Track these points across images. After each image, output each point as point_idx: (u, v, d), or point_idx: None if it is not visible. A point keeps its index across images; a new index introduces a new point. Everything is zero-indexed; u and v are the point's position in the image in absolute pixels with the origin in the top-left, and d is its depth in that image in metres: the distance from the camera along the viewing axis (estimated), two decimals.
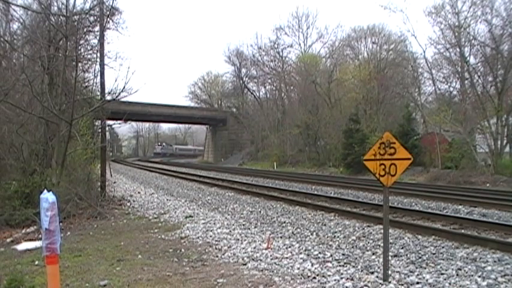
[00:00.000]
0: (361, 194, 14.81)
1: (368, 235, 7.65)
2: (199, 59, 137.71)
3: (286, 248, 6.77)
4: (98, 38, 13.71)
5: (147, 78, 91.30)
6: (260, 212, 10.86)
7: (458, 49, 26.26)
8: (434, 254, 6.20)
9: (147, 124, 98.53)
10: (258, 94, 57.74)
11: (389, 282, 4.86)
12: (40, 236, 6.99)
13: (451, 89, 31.74)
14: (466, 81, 27.18)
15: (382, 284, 4.82)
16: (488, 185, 19.04)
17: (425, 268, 5.47)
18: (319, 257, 6.12)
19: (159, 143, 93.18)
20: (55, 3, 12.46)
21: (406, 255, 6.16)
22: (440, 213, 9.86)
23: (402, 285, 4.80)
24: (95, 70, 14.72)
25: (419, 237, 7.35)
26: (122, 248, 7.17)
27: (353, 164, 27.77)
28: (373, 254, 6.28)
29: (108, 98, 12.36)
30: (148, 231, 8.63)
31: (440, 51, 28.83)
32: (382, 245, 5.45)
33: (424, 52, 49.42)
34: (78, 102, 11.64)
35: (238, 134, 59.40)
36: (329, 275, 5.21)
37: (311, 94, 38.54)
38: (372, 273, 5.26)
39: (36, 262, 6.29)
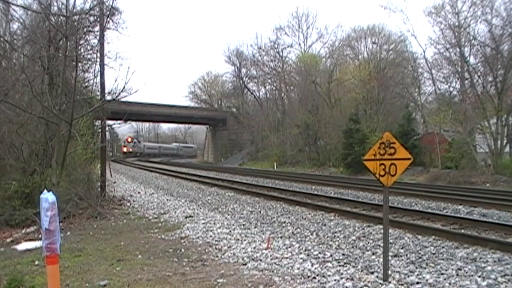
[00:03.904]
0: (361, 194, 14.81)
1: (368, 235, 7.65)
2: (199, 59, 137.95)
3: (286, 248, 6.77)
4: (98, 38, 13.71)
5: (147, 78, 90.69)
6: (260, 212, 10.86)
7: (458, 49, 26.30)
8: (434, 254, 6.20)
9: (147, 124, 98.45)
10: (258, 94, 57.88)
11: (389, 282, 4.86)
12: (40, 236, 6.99)
13: (451, 89, 31.83)
14: (466, 81, 27.22)
15: (382, 284, 4.81)
16: (488, 185, 19.04)
17: (425, 268, 5.47)
18: (319, 257, 6.12)
19: (130, 139, 76.62)
20: (55, 3, 12.45)
21: (406, 255, 6.16)
22: (440, 213, 9.86)
23: (402, 285, 4.80)
24: (95, 70, 14.71)
25: (419, 237, 7.35)
26: (122, 248, 7.17)
27: (353, 164, 27.78)
28: (373, 254, 6.28)
29: (108, 98, 12.36)
30: (148, 231, 8.63)
31: (440, 51, 28.91)
32: (382, 245, 5.45)
33: (424, 52, 49.59)
34: (78, 102, 11.63)
35: (238, 134, 59.42)
36: (329, 275, 5.21)
37: (311, 94, 38.55)
38: (372, 273, 5.26)
39: (36, 262, 6.28)
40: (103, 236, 8.28)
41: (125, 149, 74.93)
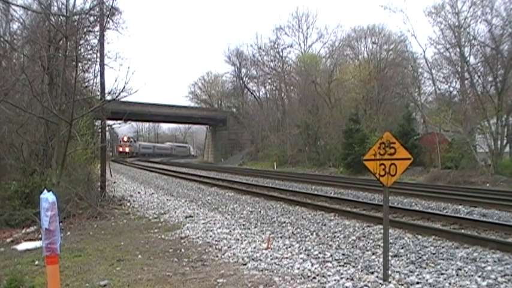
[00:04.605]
0: (361, 194, 14.80)
1: (368, 235, 7.65)
2: (199, 59, 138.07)
3: (286, 248, 6.77)
4: (98, 38, 13.72)
5: (147, 78, 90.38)
6: (260, 212, 10.86)
7: (458, 49, 26.28)
8: (434, 254, 6.20)
9: (147, 124, 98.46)
10: (258, 94, 57.86)
11: (389, 282, 4.86)
12: (40, 236, 6.99)
13: (451, 89, 31.81)
14: (466, 81, 27.20)
15: (382, 284, 4.81)
16: (488, 185, 19.04)
17: (425, 268, 5.47)
18: (319, 257, 6.12)
19: (126, 139, 71.05)
20: (55, 3, 12.47)
21: (406, 255, 6.16)
22: (440, 213, 9.86)
23: (402, 285, 4.80)
24: (95, 70, 14.74)
25: (419, 237, 7.35)
26: (122, 248, 7.17)
27: (353, 164, 27.78)
28: (373, 254, 6.28)
29: (108, 98, 12.36)
30: (148, 231, 8.63)
31: (440, 51, 28.89)
32: (382, 245, 5.45)
33: (424, 52, 49.59)
34: (78, 102, 11.64)
35: (238, 134, 59.42)
36: (329, 275, 5.21)
37: (311, 94, 38.55)
38: (372, 273, 5.26)
39: (36, 262, 6.28)
40: (103, 236, 8.28)
41: (120, 149, 70.02)
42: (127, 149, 70.81)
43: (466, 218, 8.84)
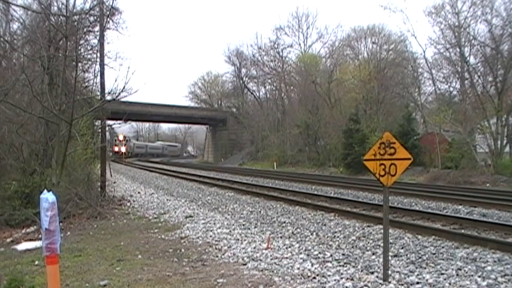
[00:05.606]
0: (361, 194, 14.80)
1: (368, 235, 7.65)
2: (199, 59, 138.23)
3: (286, 248, 6.77)
4: (98, 38, 13.72)
5: (147, 78, 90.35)
6: (260, 212, 10.86)
7: (458, 49, 26.30)
8: (434, 254, 6.20)
9: (147, 124, 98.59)
10: (258, 94, 57.89)
11: (389, 282, 4.86)
12: (40, 236, 6.99)
13: (451, 89, 31.83)
14: (466, 81, 27.22)
15: (382, 284, 4.81)
16: (488, 185, 19.04)
17: (425, 268, 5.47)
18: (319, 257, 6.12)
19: (122, 138, 63.94)
20: (55, 3, 12.47)
21: (406, 255, 6.16)
22: (440, 213, 9.86)
23: (402, 285, 4.80)
24: (95, 70, 14.73)
25: (419, 237, 7.35)
26: (122, 248, 7.17)
27: (353, 164, 27.78)
28: (373, 254, 6.28)
29: (108, 98, 12.35)
30: (148, 231, 8.63)
31: (440, 51, 28.91)
32: (382, 245, 5.45)
33: (424, 52, 49.49)
34: (78, 102, 11.62)
35: (238, 134, 59.42)
36: (329, 275, 5.21)
37: (311, 94, 38.54)
38: (372, 273, 5.26)
39: (36, 262, 6.29)
40: (103, 236, 8.28)
41: (116, 149, 62.29)
42: (123, 149, 63.97)
43: (466, 218, 8.84)
